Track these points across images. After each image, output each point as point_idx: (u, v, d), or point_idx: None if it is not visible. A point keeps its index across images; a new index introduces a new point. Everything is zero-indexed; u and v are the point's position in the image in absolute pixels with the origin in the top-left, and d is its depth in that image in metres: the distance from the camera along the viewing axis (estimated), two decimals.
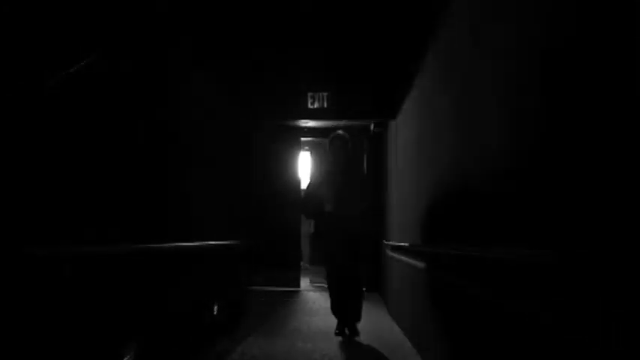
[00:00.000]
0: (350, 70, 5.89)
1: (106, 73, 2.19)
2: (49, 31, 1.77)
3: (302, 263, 7.73)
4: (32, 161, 1.68)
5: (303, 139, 7.67)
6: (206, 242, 3.75)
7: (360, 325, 4.76)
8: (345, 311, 4.26)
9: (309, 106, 6.51)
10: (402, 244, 4.47)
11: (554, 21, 1.48)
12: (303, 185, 6.83)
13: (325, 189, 4.31)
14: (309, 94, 6.47)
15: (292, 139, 7.44)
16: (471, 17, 2.47)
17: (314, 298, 6.59)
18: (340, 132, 4.52)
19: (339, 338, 4.19)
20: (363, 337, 4.26)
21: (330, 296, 4.37)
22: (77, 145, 1.96)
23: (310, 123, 6.82)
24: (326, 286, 4.51)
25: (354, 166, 4.63)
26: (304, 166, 8.13)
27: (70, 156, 1.91)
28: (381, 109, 6.09)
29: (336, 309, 4.37)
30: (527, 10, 1.70)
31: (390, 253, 5.69)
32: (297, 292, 7.01)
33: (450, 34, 2.93)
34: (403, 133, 5.10)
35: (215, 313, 4.03)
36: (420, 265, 3.59)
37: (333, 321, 4.44)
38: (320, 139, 7.13)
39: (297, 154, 7.55)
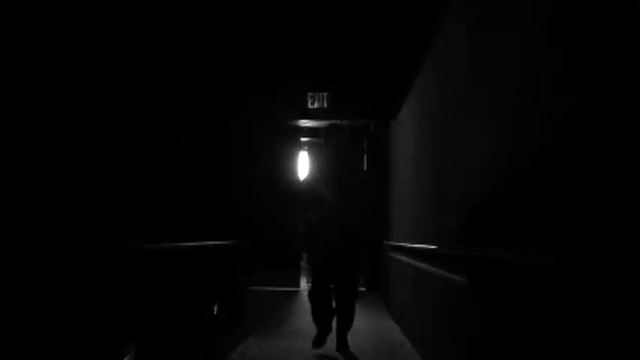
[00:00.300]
0: (350, 71, 5.90)
1: (106, 74, 2.19)
2: (51, 32, 1.77)
3: (301, 263, 7.73)
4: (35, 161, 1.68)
5: (303, 139, 7.67)
6: (206, 242, 3.75)
7: (360, 325, 4.76)
8: (330, 315, 3.77)
9: (309, 106, 6.52)
10: (413, 245, 4.47)
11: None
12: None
13: (321, 186, 3.85)
14: (309, 94, 6.48)
15: (292, 139, 7.45)
16: (469, 20, 2.47)
17: None
18: (338, 122, 4.00)
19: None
20: (363, 337, 4.25)
21: (311, 296, 3.81)
22: (73, 145, 1.96)
23: (310, 123, 6.83)
24: None
25: (353, 161, 4.04)
26: (304, 166, 8.13)
27: (67, 155, 1.91)
28: (382, 109, 6.10)
29: (318, 313, 3.79)
30: (526, 15, 1.70)
31: (391, 254, 5.69)
32: (297, 292, 7.01)
33: (447, 36, 2.94)
34: (404, 133, 5.10)
35: (215, 313, 4.03)
36: (423, 266, 3.59)
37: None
38: (320, 139, 7.13)
39: (297, 154, 7.55)
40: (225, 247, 4.40)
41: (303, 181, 4.11)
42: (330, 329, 3.78)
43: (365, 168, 7.25)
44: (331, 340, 4.00)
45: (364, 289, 7.17)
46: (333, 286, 3.77)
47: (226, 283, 4.59)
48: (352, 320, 3.80)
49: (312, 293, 3.82)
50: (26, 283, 1.61)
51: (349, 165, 3.99)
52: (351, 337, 3.94)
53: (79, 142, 1.97)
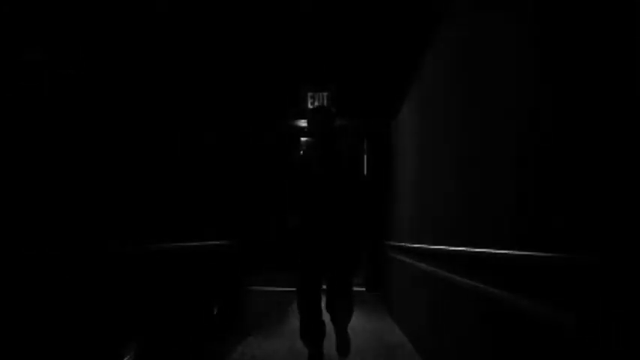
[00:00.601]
0: (350, 71, 5.90)
1: (107, 75, 2.19)
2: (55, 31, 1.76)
3: None
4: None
5: (303, 139, 7.68)
6: (206, 242, 3.75)
7: (360, 325, 4.76)
8: (322, 333, 3.24)
9: (309, 106, 6.53)
10: (413, 245, 4.46)
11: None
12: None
13: (299, 183, 3.19)
14: (309, 94, 6.48)
15: (292, 139, 7.45)
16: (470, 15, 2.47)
17: None
18: (325, 105, 3.10)
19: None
20: (363, 337, 4.25)
21: (300, 312, 3.23)
22: (72, 144, 1.96)
23: None
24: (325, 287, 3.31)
25: (344, 152, 3.28)
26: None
27: (69, 156, 1.91)
28: (381, 110, 6.10)
29: (307, 329, 3.19)
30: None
31: (391, 254, 5.69)
32: None
33: (446, 36, 2.94)
34: (404, 134, 5.11)
35: (215, 313, 4.03)
36: (423, 265, 3.59)
37: None
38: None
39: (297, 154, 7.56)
40: (225, 248, 4.40)
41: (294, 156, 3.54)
42: (321, 347, 3.29)
43: (365, 167, 7.25)
44: (331, 340, 3.99)
45: (364, 289, 7.18)
46: (324, 287, 3.28)
47: (226, 283, 4.59)
48: (349, 320, 3.40)
49: (300, 301, 3.20)
50: (26, 283, 1.61)
51: (338, 158, 3.27)
52: (350, 337, 3.94)
53: (81, 143, 1.97)
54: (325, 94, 6.37)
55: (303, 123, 6.87)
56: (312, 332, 3.18)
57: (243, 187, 5.68)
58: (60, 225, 1.83)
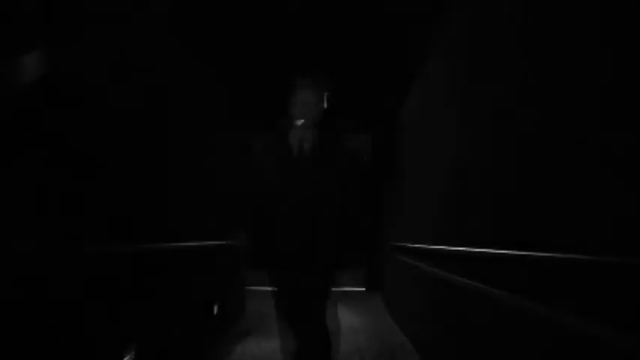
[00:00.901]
0: (350, 69, 5.90)
1: (106, 74, 2.19)
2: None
3: None
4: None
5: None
6: (206, 242, 3.75)
7: (360, 325, 4.76)
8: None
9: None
10: (414, 245, 4.46)
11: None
12: None
13: (291, 179, 2.62)
14: None
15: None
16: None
17: None
18: (314, 77, 2.63)
19: (340, 337, 4.13)
20: (363, 337, 4.25)
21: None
22: (78, 145, 1.95)
23: None
24: None
25: (343, 150, 2.72)
26: None
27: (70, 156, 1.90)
28: (383, 109, 6.09)
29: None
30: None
31: (392, 254, 5.69)
32: None
33: (447, 32, 2.93)
34: (406, 132, 5.11)
35: (215, 312, 4.03)
36: (423, 265, 3.59)
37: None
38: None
39: None
40: (225, 247, 4.40)
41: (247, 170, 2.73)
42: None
43: (365, 167, 7.23)
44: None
45: (364, 288, 7.18)
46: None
47: (226, 282, 4.59)
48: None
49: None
50: (25, 283, 1.61)
51: (338, 142, 2.78)
52: (350, 337, 3.93)
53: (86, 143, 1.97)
54: (325, 94, 6.35)
55: (301, 121, 6.87)
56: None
57: (241, 187, 5.68)
58: (61, 224, 1.83)
